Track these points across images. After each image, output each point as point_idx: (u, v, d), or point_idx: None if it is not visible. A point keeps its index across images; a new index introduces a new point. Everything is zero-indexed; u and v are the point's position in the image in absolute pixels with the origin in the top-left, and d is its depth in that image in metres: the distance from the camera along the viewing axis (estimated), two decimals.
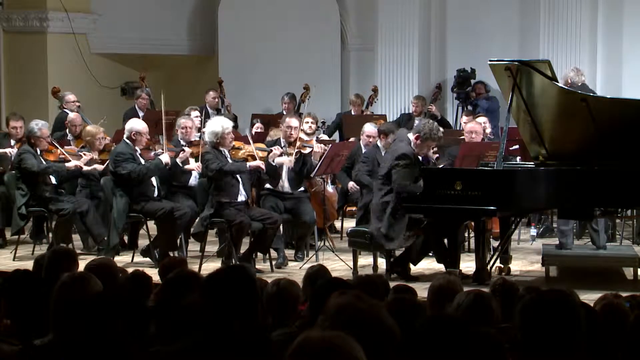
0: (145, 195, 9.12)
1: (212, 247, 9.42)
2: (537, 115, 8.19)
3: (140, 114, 12.31)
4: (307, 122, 10.53)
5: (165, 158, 9.18)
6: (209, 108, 13.03)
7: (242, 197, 8.85)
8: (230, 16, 15.05)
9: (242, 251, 8.88)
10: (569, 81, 9.62)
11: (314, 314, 3.81)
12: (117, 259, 8.65)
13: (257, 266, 8.76)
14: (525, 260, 9.32)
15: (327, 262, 8.48)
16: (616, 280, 8.33)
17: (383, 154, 9.26)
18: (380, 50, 14.10)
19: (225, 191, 8.72)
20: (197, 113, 11.09)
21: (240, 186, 8.82)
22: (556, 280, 8.41)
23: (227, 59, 15.03)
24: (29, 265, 6.07)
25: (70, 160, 9.72)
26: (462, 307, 4.24)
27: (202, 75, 15.30)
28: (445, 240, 8.35)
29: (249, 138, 9.61)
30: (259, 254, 8.99)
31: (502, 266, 8.62)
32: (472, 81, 13.36)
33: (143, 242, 9.48)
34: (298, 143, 9.39)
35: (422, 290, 5.52)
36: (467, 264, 8.49)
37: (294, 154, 9.32)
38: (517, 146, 9.84)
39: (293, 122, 9.48)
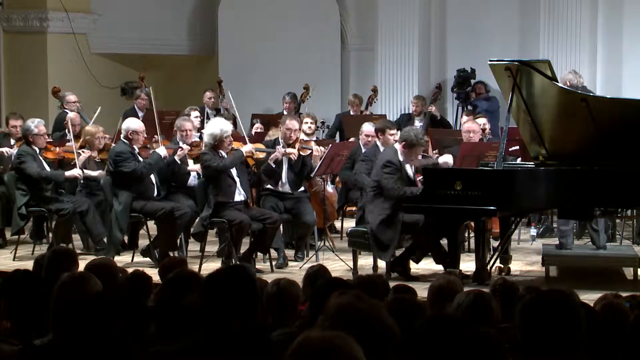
0: (146, 195, 9.12)
1: (212, 247, 9.42)
2: (537, 115, 8.19)
3: (140, 114, 12.32)
4: (307, 123, 10.53)
5: (162, 151, 9.19)
6: (207, 109, 13.03)
7: (240, 197, 8.85)
8: (230, 16, 15.05)
9: (242, 251, 8.88)
10: (568, 83, 9.63)
11: (314, 314, 3.81)
12: (117, 259, 8.65)
13: (257, 266, 8.76)
14: (525, 260, 9.32)
15: (327, 262, 8.47)
16: (616, 280, 8.33)
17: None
18: (380, 50, 14.09)
19: (223, 191, 8.72)
20: (197, 113, 11.09)
21: (238, 185, 8.82)
22: (556, 280, 8.41)
23: (227, 59, 15.03)
24: (29, 265, 6.07)
25: (70, 162, 9.73)
26: (462, 307, 4.24)
27: (202, 75, 15.30)
28: (445, 241, 8.36)
29: (246, 139, 9.59)
30: (259, 254, 8.99)
31: (502, 266, 8.62)
32: (472, 81, 13.36)
33: (143, 242, 9.48)
34: (297, 145, 9.39)
35: (422, 290, 5.52)
36: (467, 264, 8.49)
37: (295, 155, 9.32)
38: (517, 147, 9.84)
39: (293, 124, 9.47)
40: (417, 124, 12.82)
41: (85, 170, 9.74)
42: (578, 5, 13.00)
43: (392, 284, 5.20)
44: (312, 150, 9.54)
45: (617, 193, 7.81)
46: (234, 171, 8.83)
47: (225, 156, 8.86)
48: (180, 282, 4.19)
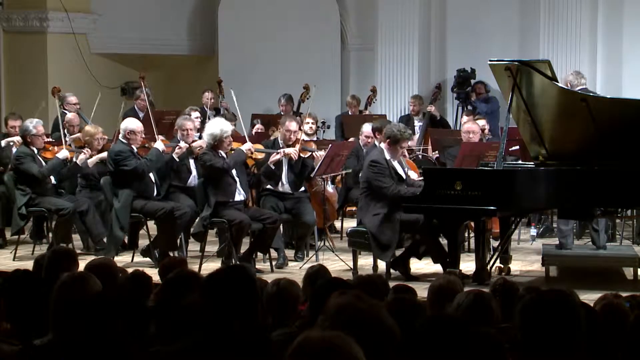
0: (145, 194, 9.13)
1: (212, 247, 9.42)
2: (537, 115, 8.19)
3: (140, 114, 12.32)
4: (308, 123, 10.53)
5: (160, 145, 9.20)
6: (206, 109, 13.02)
7: (240, 196, 8.85)
8: (230, 16, 15.05)
9: (242, 251, 8.88)
10: (569, 85, 9.64)
11: (314, 314, 3.81)
12: (117, 259, 8.66)
13: (257, 266, 8.76)
14: (525, 260, 9.32)
15: (327, 262, 8.48)
16: (616, 280, 8.33)
17: None
18: (380, 50, 14.10)
19: (223, 190, 8.72)
20: (197, 114, 11.08)
21: (238, 185, 8.82)
22: (556, 280, 8.41)
23: (227, 59, 15.03)
24: (29, 265, 6.07)
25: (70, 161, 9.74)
26: (462, 307, 4.24)
27: (202, 75, 15.30)
28: (445, 241, 8.36)
29: (246, 139, 9.59)
30: (259, 254, 8.99)
31: (502, 266, 8.62)
32: (472, 81, 13.36)
33: (143, 242, 9.49)
34: (298, 146, 9.39)
35: (422, 290, 5.52)
36: (467, 264, 8.49)
37: (294, 157, 9.32)
38: (517, 147, 9.84)
39: (292, 125, 9.47)
40: (417, 124, 12.83)
41: (89, 161, 9.73)
42: (578, 5, 13.00)
43: (392, 284, 5.20)
44: (312, 151, 9.55)
45: (617, 193, 7.81)
46: (234, 170, 8.83)
47: (225, 156, 8.87)
48: (180, 282, 4.19)
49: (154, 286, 4.86)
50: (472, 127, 9.68)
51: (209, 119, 11.64)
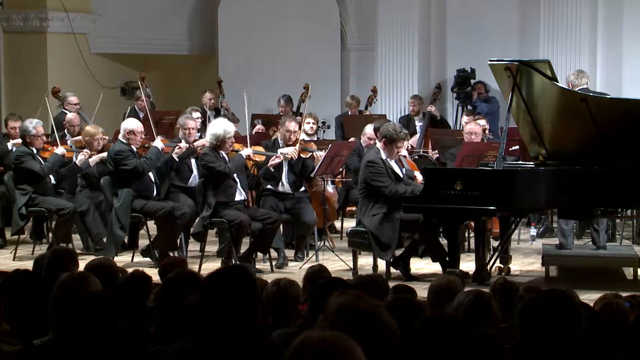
0: (145, 194, 9.13)
1: (212, 247, 9.42)
2: (537, 115, 8.19)
3: (140, 114, 12.32)
4: (309, 123, 10.52)
5: (159, 144, 9.20)
6: (206, 109, 13.03)
7: (240, 196, 8.86)
8: (230, 16, 15.05)
9: (242, 251, 8.88)
10: (570, 85, 9.65)
11: (314, 314, 3.81)
12: (117, 259, 8.66)
13: (257, 266, 8.76)
14: (525, 260, 9.32)
15: (327, 262, 8.48)
16: (616, 280, 8.33)
17: None
18: (380, 50, 14.10)
19: (223, 192, 8.72)
20: (198, 114, 11.09)
21: (238, 185, 8.83)
22: (556, 280, 8.41)
23: (227, 58, 15.04)
24: (29, 265, 6.07)
25: (69, 161, 9.75)
26: (462, 307, 4.24)
27: (202, 75, 15.31)
28: (445, 241, 8.36)
29: (248, 139, 9.58)
30: (259, 254, 8.99)
31: (502, 266, 8.62)
32: (472, 81, 13.35)
33: (143, 242, 9.48)
34: (298, 145, 9.39)
35: (422, 290, 5.52)
36: (467, 264, 8.49)
37: (294, 158, 9.32)
38: (517, 147, 9.84)
39: (292, 126, 9.47)
40: (417, 124, 12.83)
41: (91, 160, 9.74)
42: (578, 6, 13.01)
43: (392, 284, 5.20)
44: (312, 152, 9.54)
45: (617, 193, 7.81)
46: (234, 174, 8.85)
47: (226, 157, 8.86)
48: (180, 282, 4.19)
49: (154, 286, 4.86)
50: (474, 129, 9.66)
51: (209, 119, 11.66)
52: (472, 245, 9.10)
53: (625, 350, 3.88)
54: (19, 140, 10.11)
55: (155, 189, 9.27)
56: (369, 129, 10.11)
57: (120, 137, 9.32)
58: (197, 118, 10.65)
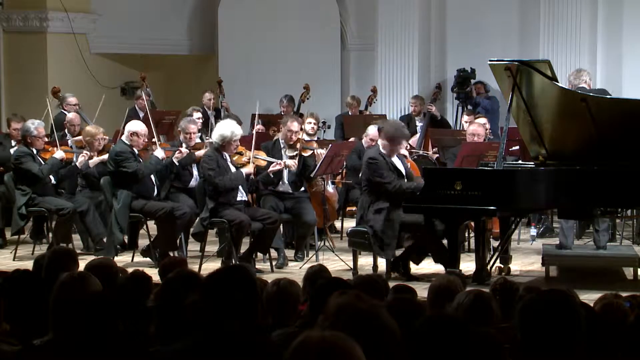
0: (146, 195, 9.13)
1: (212, 247, 9.42)
2: (537, 115, 8.19)
3: (141, 114, 12.33)
4: (310, 123, 10.52)
5: (159, 153, 9.19)
6: (206, 109, 13.04)
7: (241, 197, 8.86)
8: (230, 16, 15.05)
9: (242, 251, 8.88)
10: (570, 85, 9.67)
11: (314, 314, 3.81)
12: (117, 259, 8.65)
13: (257, 266, 8.76)
14: (525, 260, 9.32)
15: (327, 262, 8.47)
16: (616, 280, 8.32)
17: None
18: (380, 50, 14.10)
19: (224, 194, 8.72)
20: (199, 115, 11.09)
21: (240, 189, 8.82)
22: (556, 280, 8.41)
23: (227, 58, 15.04)
24: (29, 265, 6.07)
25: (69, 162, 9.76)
26: (462, 307, 4.24)
27: (202, 75, 15.31)
28: (445, 241, 8.36)
29: (253, 140, 9.54)
30: (259, 254, 8.99)
31: (502, 266, 8.62)
32: (472, 81, 13.35)
33: (143, 242, 9.48)
34: (299, 145, 9.39)
35: (422, 290, 5.52)
36: (467, 264, 8.49)
37: (295, 156, 9.31)
38: (517, 147, 9.84)
39: (294, 126, 9.47)
40: (417, 124, 12.83)
41: (90, 162, 9.76)
42: (578, 6, 13.01)
43: (392, 284, 5.20)
44: (313, 150, 9.54)
45: (617, 193, 7.81)
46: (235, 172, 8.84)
47: (228, 159, 8.85)
48: (180, 282, 4.19)
49: (154, 286, 4.86)
50: (477, 130, 9.64)
51: (208, 119, 11.67)
52: (472, 245, 9.10)
53: (625, 350, 3.88)
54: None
55: (156, 189, 9.26)
56: (371, 130, 10.10)
57: (123, 137, 9.31)
58: (198, 118, 10.66)
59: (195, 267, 8.19)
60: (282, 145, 9.47)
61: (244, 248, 8.91)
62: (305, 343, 2.49)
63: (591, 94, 8.32)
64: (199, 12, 15.68)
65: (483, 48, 13.21)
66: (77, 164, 9.71)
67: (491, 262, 8.31)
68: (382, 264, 8.55)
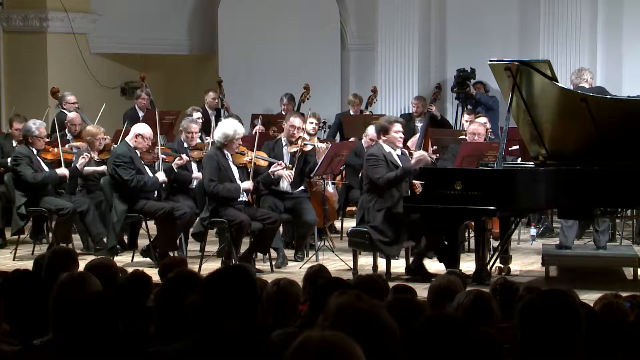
0: (146, 195, 9.12)
1: (212, 247, 9.42)
2: (537, 115, 8.19)
3: (140, 114, 12.33)
4: (312, 123, 10.52)
5: (161, 176, 9.16)
6: (208, 109, 13.04)
7: (242, 197, 8.87)
8: (230, 16, 15.05)
9: (242, 251, 8.88)
10: (572, 84, 9.67)
11: (314, 314, 3.81)
12: (117, 259, 8.66)
13: (257, 266, 8.76)
14: (525, 260, 9.32)
15: (327, 262, 8.48)
16: (616, 280, 8.33)
17: None
18: (380, 50, 14.10)
19: (227, 198, 8.74)
20: (199, 114, 11.09)
21: (237, 186, 8.82)
22: (556, 280, 8.41)
23: (227, 58, 15.03)
24: (29, 265, 6.07)
25: (69, 162, 9.75)
26: (462, 307, 4.24)
27: (202, 75, 15.31)
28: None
29: (256, 140, 9.52)
30: (259, 254, 8.99)
31: (502, 266, 8.62)
32: (472, 81, 13.34)
33: (143, 242, 9.48)
34: (300, 142, 9.39)
35: (422, 290, 5.52)
36: (467, 264, 8.49)
37: (296, 152, 9.32)
38: (517, 147, 9.83)
39: (297, 121, 9.47)
40: (418, 124, 12.82)
41: (87, 168, 9.76)
42: (578, 6, 13.00)
43: (392, 284, 5.20)
44: (314, 145, 9.54)
45: (617, 193, 7.81)
46: (235, 174, 8.84)
47: (230, 158, 8.84)
48: (180, 282, 4.19)
49: (154, 286, 4.86)
50: (477, 129, 9.63)
51: (209, 119, 11.67)
52: (472, 245, 9.10)
53: (625, 350, 3.88)
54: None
55: (156, 190, 9.26)
56: (371, 130, 10.10)
57: (127, 139, 9.30)
58: (198, 118, 10.66)
59: (195, 267, 8.19)
60: (284, 143, 9.47)
61: (244, 248, 8.92)
62: (305, 343, 2.49)
63: (591, 93, 8.32)
64: (199, 12, 15.68)
65: (483, 48, 13.21)
66: (77, 165, 9.71)
67: (491, 262, 8.31)
68: (382, 264, 8.55)
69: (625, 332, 4.01)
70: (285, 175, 9.10)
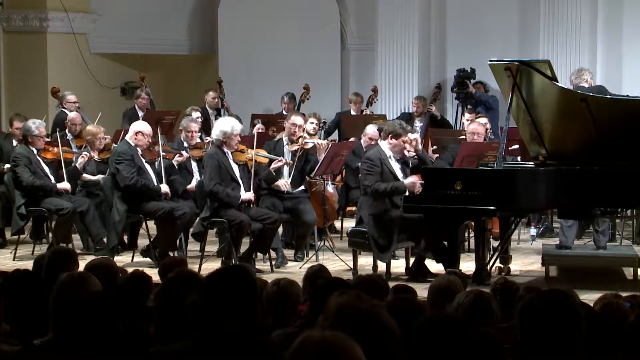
0: (147, 195, 9.13)
1: (212, 247, 9.42)
2: (537, 115, 8.19)
3: (140, 113, 12.33)
4: (312, 123, 10.52)
5: (164, 188, 9.16)
6: (208, 108, 13.05)
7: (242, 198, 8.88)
8: (230, 16, 15.05)
9: (242, 251, 8.88)
10: (571, 84, 9.67)
11: (314, 314, 3.81)
12: (117, 259, 8.66)
13: (257, 266, 8.76)
14: (525, 260, 9.32)
15: (327, 262, 8.48)
16: (616, 280, 8.33)
17: None
18: (380, 50, 14.10)
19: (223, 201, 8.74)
20: (198, 114, 11.10)
21: (241, 187, 8.83)
22: (556, 280, 8.41)
23: (227, 58, 15.03)
24: (29, 265, 6.07)
25: (69, 162, 9.76)
26: (462, 307, 4.24)
27: (202, 75, 15.31)
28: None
29: (255, 139, 9.53)
30: (259, 254, 8.99)
31: (502, 266, 8.62)
32: (472, 81, 13.34)
33: (143, 242, 9.49)
34: (301, 140, 9.39)
35: (422, 290, 5.52)
36: (467, 264, 8.49)
37: (297, 151, 9.32)
38: (517, 146, 9.84)
39: (298, 120, 9.48)
40: (418, 124, 12.83)
41: (85, 175, 9.78)
42: (578, 6, 13.00)
43: (392, 284, 5.20)
44: (314, 143, 9.54)
45: (617, 193, 7.81)
46: (236, 172, 8.85)
47: (230, 156, 8.84)
48: (180, 282, 4.19)
49: (154, 286, 4.86)
50: (477, 129, 9.63)
51: (211, 122, 11.66)
52: (472, 245, 9.10)
53: (625, 350, 3.88)
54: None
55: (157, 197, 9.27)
56: (370, 129, 10.11)
57: (127, 137, 9.31)
58: (197, 118, 10.67)
59: (195, 267, 8.19)
60: (285, 142, 9.47)
61: (244, 248, 8.92)
62: (305, 343, 2.49)
63: (591, 93, 8.32)
64: (199, 12, 15.67)
65: (483, 48, 13.21)
66: (77, 164, 9.71)
67: (491, 262, 8.32)
68: (382, 264, 8.55)
69: (625, 332, 4.01)
70: (280, 184, 9.12)
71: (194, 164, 9.63)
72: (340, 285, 4.16)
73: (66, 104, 11.75)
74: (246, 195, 8.83)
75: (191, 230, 9.15)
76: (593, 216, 8.65)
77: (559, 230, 9.43)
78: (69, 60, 14.21)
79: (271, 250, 9.05)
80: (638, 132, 7.85)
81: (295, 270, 8.75)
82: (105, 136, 10.20)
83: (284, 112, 12.76)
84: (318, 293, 4.12)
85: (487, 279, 7.93)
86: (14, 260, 9.49)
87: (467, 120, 10.85)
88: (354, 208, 10.33)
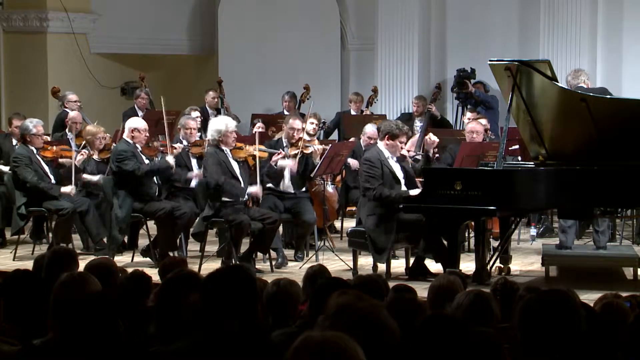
0: (147, 195, 9.12)
1: (212, 247, 9.42)
2: (537, 115, 8.19)
3: (140, 113, 12.32)
4: (312, 124, 10.53)
5: (171, 160, 9.18)
6: (208, 108, 13.04)
7: (245, 197, 8.88)
8: (230, 16, 15.05)
9: (242, 251, 8.88)
10: (568, 85, 9.66)
11: (314, 314, 3.81)
12: (117, 259, 8.66)
13: (257, 266, 8.76)
14: (525, 260, 9.32)
15: (327, 262, 8.47)
16: (616, 280, 8.32)
17: None
18: (380, 50, 14.09)
19: (229, 192, 8.73)
20: (197, 114, 11.10)
21: (242, 186, 8.83)
22: (556, 280, 8.41)
23: (227, 58, 15.03)
24: (29, 265, 6.07)
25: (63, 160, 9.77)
26: (462, 307, 4.24)
27: (202, 75, 15.31)
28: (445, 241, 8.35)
29: (256, 137, 9.52)
30: (259, 254, 8.99)
31: (502, 266, 8.62)
32: (472, 81, 13.33)
33: (143, 242, 9.49)
34: (300, 143, 9.39)
35: (422, 290, 5.52)
36: (467, 264, 8.48)
37: (297, 155, 9.32)
38: (517, 146, 9.83)
39: (297, 124, 9.48)
40: (418, 124, 12.82)
41: (84, 175, 9.78)
42: (578, 5, 13.00)
43: (392, 284, 5.20)
44: (314, 148, 9.54)
45: (617, 193, 7.81)
46: (236, 169, 8.86)
47: (229, 153, 8.85)
48: (180, 282, 4.19)
49: (154, 286, 4.86)
50: (476, 128, 9.64)
51: (208, 118, 11.64)
52: (472, 245, 9.10)
53: (625, 350, 3.88)
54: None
55: (157, 189, 9.26)
56: (369, 129, 10.11)
57: (124, 136, 9.31)
58: (197, 117, 10.67)
59: (195, 267, 8.19)
60: (284, 144, 9.47)
61: (244, 248, 8.92)
62: (305, 343, 2.49)
63: (591, 93, 8.32)
64: (199, 12, 15.68)
65: (483, 48, 13.21)
66: (76, 162, 9.71)
67: (491, 262, 8.31)
68: (382, 264, 8.55)
69: (625, 332, 4.01)
70: (289, 164, 9.13)
71: (193, 161, 9.62)
72: (340, 285, 4.16)
73: (68, 104, 11.76)
74: (253, 188, 8.83)
75: (191, 230, 9.14)
76: (593, 216, 8.65)
77: (559, 230, 9.42)
78: (69, 60, 14.22)
79: (271, 250, 9.05)
80: (638, 132, 7.85)
81: (295, 270, 8.75)
82: (105, 135, 10.20)
83: (285, 111, 12.77)
84: (318, 293, 4.12)
85: (487, 279, 7.93)
86: (14, 260, 9.49)
87: (469, 119, 10.84)
88: (353, 208, 10.32)
